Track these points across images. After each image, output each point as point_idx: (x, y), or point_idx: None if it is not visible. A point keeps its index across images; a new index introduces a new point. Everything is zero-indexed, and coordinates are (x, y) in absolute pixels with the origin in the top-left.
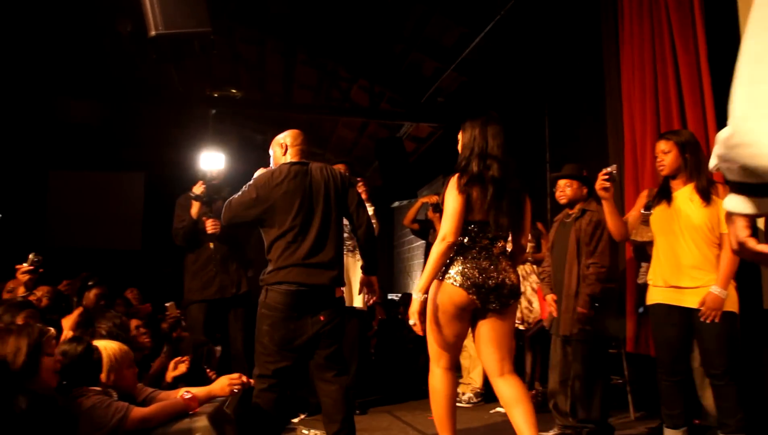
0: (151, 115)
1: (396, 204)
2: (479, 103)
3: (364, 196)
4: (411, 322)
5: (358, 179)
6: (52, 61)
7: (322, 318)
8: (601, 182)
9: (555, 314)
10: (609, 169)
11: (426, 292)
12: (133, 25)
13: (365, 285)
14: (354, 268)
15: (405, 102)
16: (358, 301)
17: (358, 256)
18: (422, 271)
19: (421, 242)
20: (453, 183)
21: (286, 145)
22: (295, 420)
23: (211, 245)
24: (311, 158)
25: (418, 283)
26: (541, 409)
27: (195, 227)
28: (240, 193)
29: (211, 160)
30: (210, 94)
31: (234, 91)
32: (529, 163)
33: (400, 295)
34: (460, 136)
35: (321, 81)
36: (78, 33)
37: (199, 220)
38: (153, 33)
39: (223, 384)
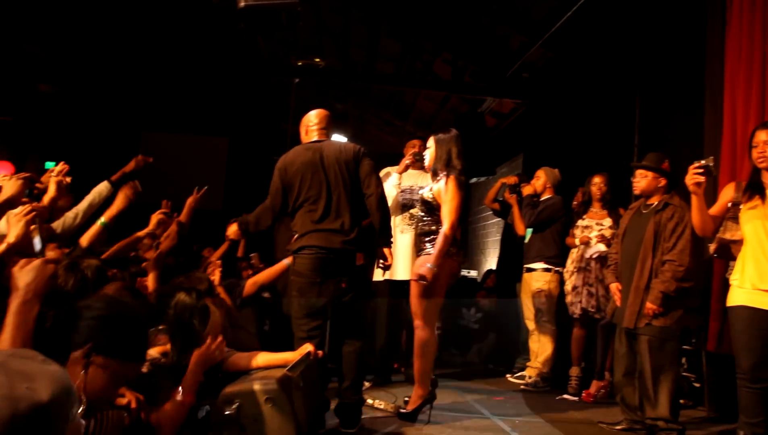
0: (236, 82)
1: (474, 180)
2: (566, 80)
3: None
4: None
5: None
6: (143, 30)
7: (343, 285)
8: (693, 175)
9: (618, 304)
10: (704, 162)
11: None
12: None
13: (379, 256)
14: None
15: (489, 76)
16: (400, 274)
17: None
18: (499, 248)
19: (497, 220)
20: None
21: (307, 127)
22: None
23: None
24: (359, 133)
25: (432, 258)
26: (610, 400)
27: None
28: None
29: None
30: (294, 63)
31: (318, 60)
32: (615, 146)
33: (473, 271)
34: (435, 148)
35: (404, 53)
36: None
37: None
38: (242, 4)
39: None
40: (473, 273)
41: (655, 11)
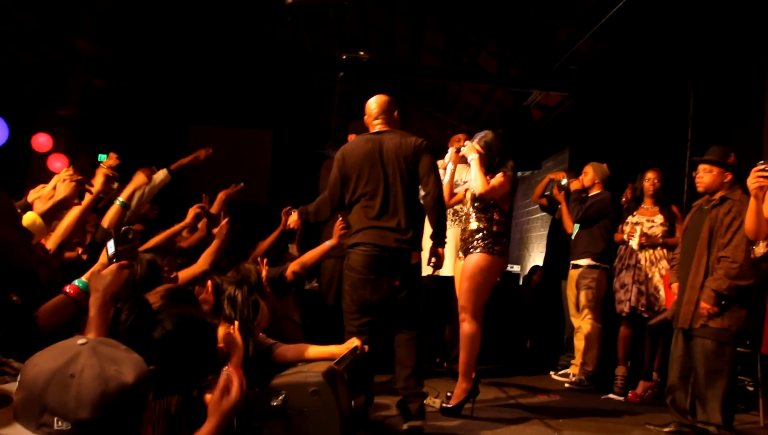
0: (281, 75)
1: (519, 174)
2: (615, 73)
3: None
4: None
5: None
6: (191, 25)
7: (397, 283)
8: (756, 179)
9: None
10: (765, 164)
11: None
12: None
13: (432, 255)
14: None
15: (535, 69)
16: (444, 270)
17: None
18: (546, 244)
19: (541, 214)
20: (509, 177)
21: (367, 116)
22: None
23: None
24: (402, 126)
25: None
26: (656, 401)
27: None
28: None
29: None
30: (339, 56)
31: (362, 53)
32: (666, 141)
33: (516, 266)
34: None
35: (449, 45)
36: None
37: None
38: (289, 0)
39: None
40: (516, 268)
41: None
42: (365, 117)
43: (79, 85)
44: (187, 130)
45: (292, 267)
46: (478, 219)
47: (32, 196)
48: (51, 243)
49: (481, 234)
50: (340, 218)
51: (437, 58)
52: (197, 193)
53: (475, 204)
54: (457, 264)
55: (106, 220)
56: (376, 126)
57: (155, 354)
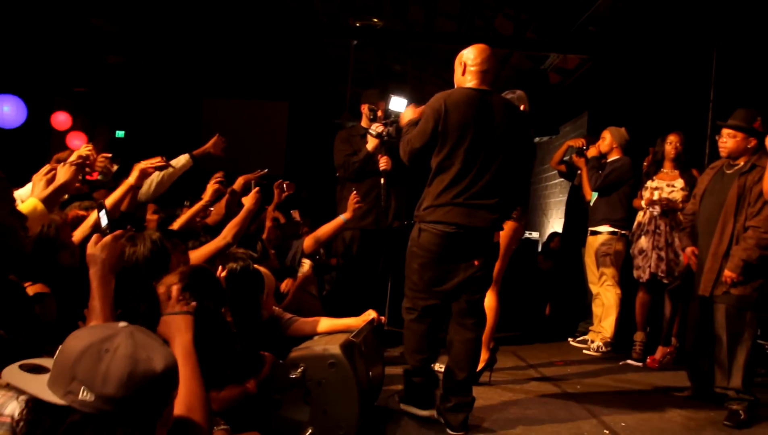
0: (295, 46)
1: (536, 139)
2: (635, 33)
3: None
4: None
5: None
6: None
7: (476, 263)
8: None
9: (694, 269)
10: None
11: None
12: None
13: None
14: None
15: (552, 31)
16: None
17: None
18: (565, 211)
19: (560, 180)
20: None
21: (465, 65)
22: None
23: (382, 180)
24: (491, 84)
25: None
26: (675, 366)
27: (369, 161)
28: (417, 125)
29: (398, 103)
30: (352, 24)
31: (376, 20)
32: (688, 104)
33: (535, 233)
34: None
35: (464, 9)
36: None
37: (374, 155)
38: None
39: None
40: (535, 234)
41: None
42: (460, 64)
43: (94, 62)
44: (202, 104)
45: (308, 244)
46: None
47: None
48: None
49: None
50: (355, 192)
51: (452, 22)
52: (214, 167)
53: None
54: None
55: (110, 200)
56: (474, 80)
57: None
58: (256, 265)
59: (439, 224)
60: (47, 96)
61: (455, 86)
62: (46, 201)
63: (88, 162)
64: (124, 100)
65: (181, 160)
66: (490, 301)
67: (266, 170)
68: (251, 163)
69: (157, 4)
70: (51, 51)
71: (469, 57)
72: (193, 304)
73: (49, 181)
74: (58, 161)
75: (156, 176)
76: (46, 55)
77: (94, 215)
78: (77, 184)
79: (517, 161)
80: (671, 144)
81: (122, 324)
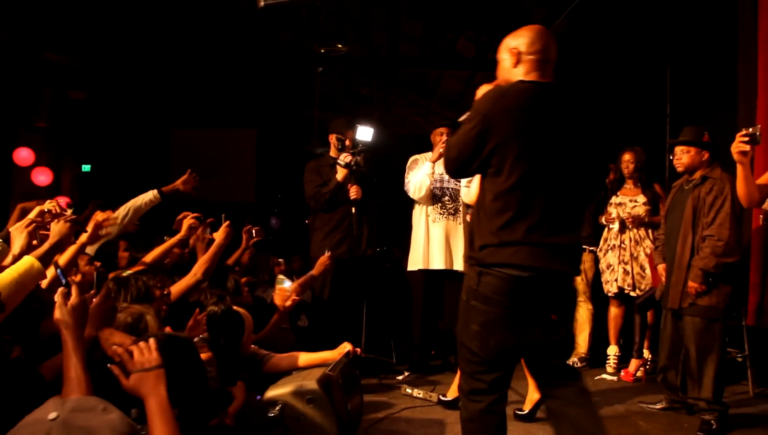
0: (260, 74)
1: None
2: (592, 52)
3: None
4: None
5: None
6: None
7: (554, 317)
8: (739, 144)
9: (663, 283)
10: (750, 130)
11: None
12: None
13: None
14: (455, 232)
15: None
16: (459, 264)
17: (459, 220)
18: None
19: None
20: None
21: (519, 53)
22: (399, 377)
23: (353, 210)
24: (384, 114)
25: None
26: (649, 377)
27: (339, 191)
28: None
29: (365, 133)
30: (317, 51)
31: (340, 46)
32: (646, 119)
33: None
34: None
35: (427, 32)
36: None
37: (344, 185)
38: (261, 4)
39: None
40: None
41: None
42: (511, 51)
43: (56, 98)
44: (169, 134)
45: (276, 301)
46: None
47: (13, 228)
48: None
49: None
50: (328, 253)
51: (416, 45)
52: (183, 197)
53: None
54: None
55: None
56: (532, 71)
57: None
58: (235, 307)
59: (506, 268)
60: (9, 132)
61: (501, 80)
62: (43, 259)
63: (48, 217)
64: (90, 134)
65: (148, 196)
66: None
67: (195, 175)
68: (222, 191)
69: (120, 37)
70: (12, 86)
71: (524, 42)
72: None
73: (31, 234)
74: (24, 211)
75: (122, 210)
76: (6, 90)
77: (51, 272)
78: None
79: (591, 176)
80: (624, 163)
81: (52, 415)
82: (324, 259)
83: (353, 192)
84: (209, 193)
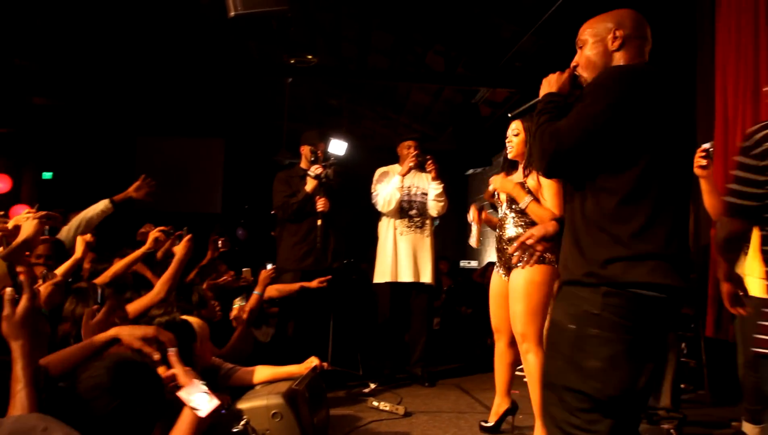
0: (229, 83)
1: (470, 171)
2: (558, 67)
3: (433, 175)
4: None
5: (428, 157)
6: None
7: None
8: (698, 160)
9: None
10: (706, 146)
11: None
12: None
13: None
14: (421, 244)
15: (481, 66)
16: (426, 277)
17: (426, 232)
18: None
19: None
20: None
21: (624, 36)
22: (366, 390)
23: (319, 222)
24: (352, 127)
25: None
26: None
27: (308, 203)
28: (578, 112)
29: (338, 146)
30: (286, 61)
31: (310, 57)
32: None
33: (474, 262)
34: (525, 136)
35: (397, 45)
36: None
37: (312, 196)
38: (232, 14)
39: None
40: (474, 263)
41: None
42: (615, 40)
43: (18, 103)
44: (136, 142)
45: (270, 293)
46: (518, 224)
47: None
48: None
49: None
50: (273, 267)
51: (385, 58)
52: (152, 206)
53: (513, 205)
54: (498, 280)
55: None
56: (643, 54)
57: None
58: (184, 316)
59: (644, 288)
60: None
61: (591, 66)
62: (10, 256)
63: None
64: (52, 141)
65: (99, 206)
66: (539, 362)
67: (149, 180)
68: (188, 201)
69: (85, 43)
70: None
71: (627, 24)
72: None
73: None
74: None
75: (75, 222)
76: None
77: (25, 231)
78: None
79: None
80: None
81: None
82: (265, 274)
83: (321, 204)
84: (175, 202)
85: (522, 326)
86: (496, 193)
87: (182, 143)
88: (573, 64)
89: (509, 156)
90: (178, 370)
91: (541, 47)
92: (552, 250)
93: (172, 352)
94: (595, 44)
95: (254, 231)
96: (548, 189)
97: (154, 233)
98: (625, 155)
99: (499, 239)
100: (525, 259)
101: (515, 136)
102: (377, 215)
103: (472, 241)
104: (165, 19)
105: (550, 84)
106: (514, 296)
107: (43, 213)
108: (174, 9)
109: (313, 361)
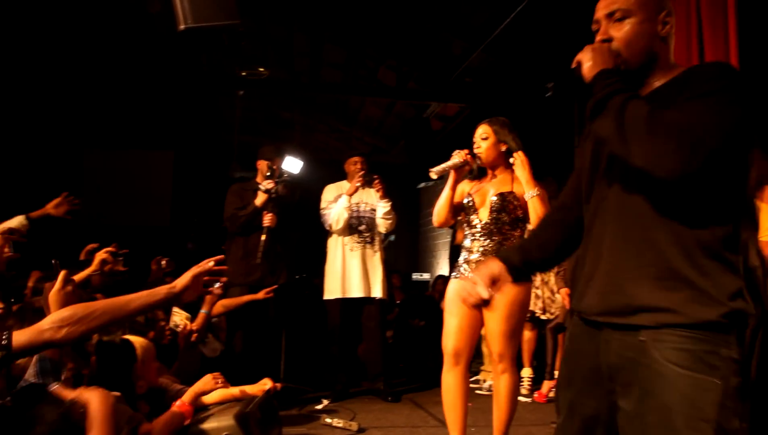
0: (179, 95)
1: (422, 184)
2: (507, 84)
3: (380, 194)
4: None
5: (375, 177)
6: (79, 46)
7: None
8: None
9: (568, 308)
10: None
11: None
12: (162, 4)
13: None
14: (372, 260)
15: (433, 81)
16: (377, 291)
17: (376, 247)
18: (449, 253)
19: None
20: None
21: (673, 24)
22: (319, 407)
23: (263, 237)
24: (305, 139)
25: None
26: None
27: (256, 217)
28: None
29: (292, 164)
30: (238, 73)
31: (262, 69)
32: (557, 148)
33: (426, 274)
34: (495, 140)
35: (349, 60)
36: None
37: (261, 210)
38: (182, 27)
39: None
40: (426, 276)
41: (590, 12)
42: (670, 19)
43: None
44: (82, 155)
45: (217, 309)
46: (503, 238)
47: None
48: None
49: None
50: (220, 285)
51: (338, 72)
52: (102, 221)
53: (502, 215)
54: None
55: None
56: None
57: None
58: (128, 336)
59: (749, 316)
60: None
61: (630, 46)
62: None
63: None
64: None
65: (13, 222)
66: (516, 382)
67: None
68: (135, 215)
69: (29, 54)
70: None
71: (673, 12)
72: None
73: None
74: None
75: None
76: None
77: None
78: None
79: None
80: None
81: None
82: (211, 295)
83: (267, 219)
84: (123, 216)
85: (503, 347)
86: (472, 198)
87: (130, 155)
88: (601, 37)
89: (478, 162)
90: None
91: (491, 64)
92: None
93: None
94: (643, 22)
95: (204, 245)
96: (539, 199)
97: (100, 255)
98: (738, 173)
99: (469, 251)
100: None
101: (484, 140)
102: (326, 232)
103: (434, 170)
104: (113, 29)
105: (595, 61)
106: (497, 316)
107: (7, 227)
108: (122, 19)
109: (267, 383)
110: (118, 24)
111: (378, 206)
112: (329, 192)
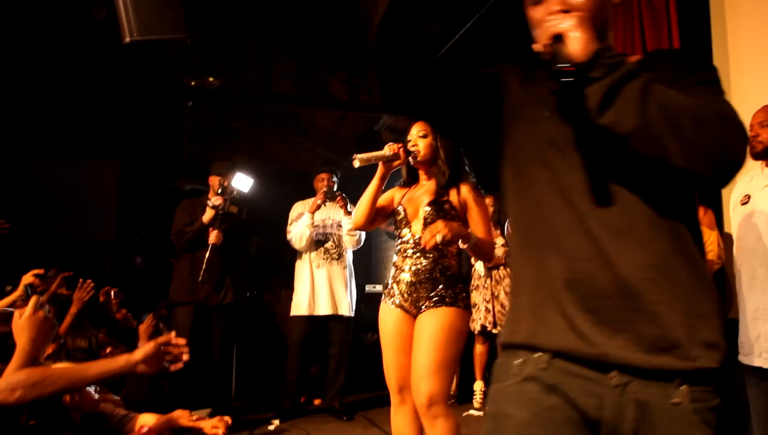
0: (126, 104)
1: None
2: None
3: (344, 211)
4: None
5: (338, 193)
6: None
7: None
8: None
9: None
10: None
11: None
12: (107, 12)
13: None
14: (338, 276)
15: None
16: (343, 309)
17: (344, 263)
18: None
19: None
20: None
21: None
22: (270, 427)
23: (207, 254)
24: (255, 150)
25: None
26: None
27: (203, 233)
28: None
29: (242, 182)
30: (187, 83)
31: (211, 79)
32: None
33: (378, 286)
34: (433, 140)
35: (300, 71)
36: (50, 18)
37: (208, 227)
38: (127, 39)
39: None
40: (378, 287)
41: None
42: None
43: None
44: (19, 166)
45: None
46: (439, 256)
47: None
48: None
49: (445, 277)
50: (150, 316)
51: (289, 83)
52: (44, 233)
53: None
54: (401, 319)
55: None
56: None
57: None
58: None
59: None
60: None
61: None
62: None
63: None
64: None
65: None
66: (454, 424)
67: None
68: (80, 227)
69: None
70: None
71: None
72: None
73: None
74: None
75: None
76: None
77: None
78: None
79: None
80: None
81: None
82: (144, 326)
83: (213, 236)
84: (65, 228)
85: (430, 385)
86: (404, 209)
87: (73, 166)
88: (558, 7)
89: (416, 160)
90: None
91: None
92: (466, 290)
93: None
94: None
95: (153, 258)
96: (480, 210)
97: (27, 278)
98: None
99: (400, 269)
100: (449, 298)
101: (422, 138)
102: (287, 248)
103: (359, 157)
104: (55, 35)
105: (585, 43)
106: (423, 345)
107: None
108: (65, 24)
109: (219, 429)
110: (60, 30)
111: (342, 222)
112: (295, 209)
